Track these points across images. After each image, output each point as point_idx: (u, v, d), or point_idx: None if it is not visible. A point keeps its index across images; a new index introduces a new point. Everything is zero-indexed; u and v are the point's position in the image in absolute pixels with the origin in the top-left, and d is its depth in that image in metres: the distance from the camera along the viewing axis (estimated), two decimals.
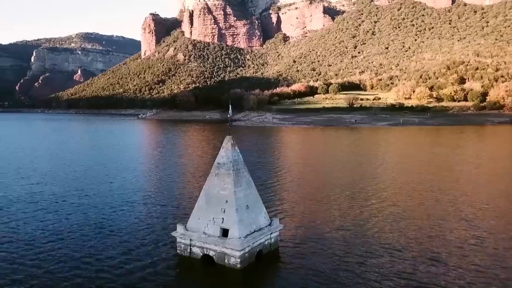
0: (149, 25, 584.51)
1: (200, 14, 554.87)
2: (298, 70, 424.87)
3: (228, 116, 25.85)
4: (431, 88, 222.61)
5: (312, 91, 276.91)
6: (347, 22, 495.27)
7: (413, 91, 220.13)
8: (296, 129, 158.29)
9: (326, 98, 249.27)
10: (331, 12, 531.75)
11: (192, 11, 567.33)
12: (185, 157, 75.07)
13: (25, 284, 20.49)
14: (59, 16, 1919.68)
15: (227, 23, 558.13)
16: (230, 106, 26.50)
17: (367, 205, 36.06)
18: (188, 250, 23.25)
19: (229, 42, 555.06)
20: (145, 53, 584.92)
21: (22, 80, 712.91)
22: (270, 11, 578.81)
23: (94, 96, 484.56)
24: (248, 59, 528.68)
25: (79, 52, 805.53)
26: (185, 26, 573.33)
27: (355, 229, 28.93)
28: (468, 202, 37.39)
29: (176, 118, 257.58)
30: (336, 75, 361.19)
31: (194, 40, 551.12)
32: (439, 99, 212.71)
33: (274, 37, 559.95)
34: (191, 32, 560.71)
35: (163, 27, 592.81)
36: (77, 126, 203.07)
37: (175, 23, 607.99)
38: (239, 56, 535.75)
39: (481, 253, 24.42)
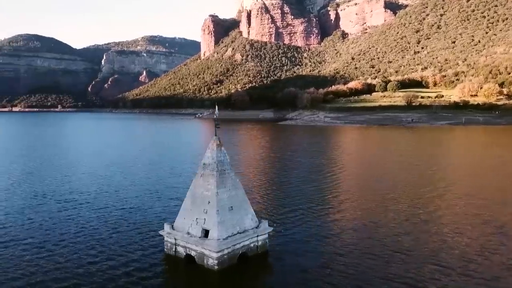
0: (208, 26, 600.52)
1: (257, 14, 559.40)
2: (356, 68, 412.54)
3: (214, 116, 24.97)
4: (501, 85, 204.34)
5: (369, 88, 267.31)
6: (410, 16, 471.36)
7: (481, 88, 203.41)
8: (347, 128, 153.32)
9: (384, 96, 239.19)
10: (392, 6, 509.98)
11: (250, 11, 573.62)
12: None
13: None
14: (127, 21, 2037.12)
15: (284, 22, 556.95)
16: (216, 106, 25.69)
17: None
18: (174, 249, 23.13)
19: (286, 41, 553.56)
20: (204, 54, 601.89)
21: (93, 82, 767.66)
22: (329, 8, 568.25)
23: (156, 96, 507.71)
24: (305, 58, 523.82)
25: (144, 54, 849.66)
26: (243, 26, 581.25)
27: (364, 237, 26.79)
28: None
29: (231, 117, 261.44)
30: (396, 72, 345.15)
31: (251, 40, 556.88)
32: (510, 96, 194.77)
33: (332, 34, 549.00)
34: (248, 32, 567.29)
35: (222, 28, 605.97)
36: (138, 125, 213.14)
37: (234, 24, 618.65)
38: (296, 55, 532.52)
39: None
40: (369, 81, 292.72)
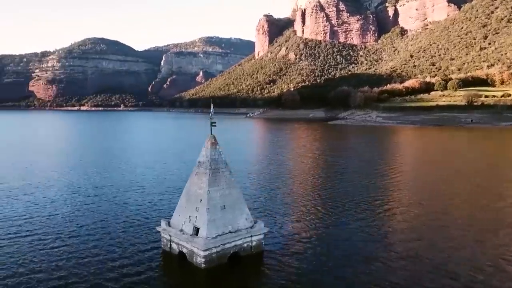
0: (263, 26, 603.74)
1: (312, 12, 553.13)
2: (415, 66, 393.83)
3: (210, 115, 24.52)
4: None
5: (427, 87, 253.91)
6: (477, 10, 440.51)
7: None
8: (399, 128, 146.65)
9: (443, 95, 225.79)
10: (456, 0, 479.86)
11: (304, 9, 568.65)
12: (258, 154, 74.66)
13: None
14: (185, 23, 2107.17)
15: (340, 20, 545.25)
16: (211, 105, 25.22)
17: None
18: (169, 246, 23.19)
19: (342, 39, 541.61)
20: (258, 54, 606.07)
21: (153, 82, 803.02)
22: (387, 4, 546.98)
23: (211, 96, 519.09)
24: (361, 56, 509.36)
25: (201, 55, 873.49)
26: (297, 25, 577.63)
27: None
28: None
29: (281, 116, 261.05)
30: (459, 69, 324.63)
31: (305, 38, 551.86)
32: None
33: (390, 31, 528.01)
34: (303, 31, 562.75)
35: (276, 28, 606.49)
36: (189, 124, 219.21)
37: (288, 23, 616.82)
38: (351, 53, 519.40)
39: None
40: (427, 79, 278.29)
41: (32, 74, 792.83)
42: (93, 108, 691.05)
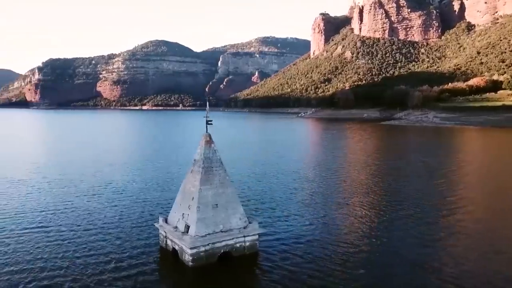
0: (319, 25, 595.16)
1: (370, 9, 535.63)
2: (482, 63, 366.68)
3: (205, 113, 24.04)
4: None
5: (494, 86, 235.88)
6: None
7: None
8: (457, 129, 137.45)
9: None
10: None
11: (362, 7, 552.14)
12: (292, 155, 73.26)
13: None
14: (242, 23, 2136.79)
15: (400, 16, 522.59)
16: (207, 104, 24.71)
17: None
18: (165, 242, 23.11)
19: (401, 36, 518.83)
20: (314, 53, 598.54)
21: (210, 83, 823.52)
22: None
23: (265, 96, 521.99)
24: (422, 53, 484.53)
25: (257, 55, 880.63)
26: (355, 23, 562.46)
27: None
28: None
29: (333, 116, 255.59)
30: None
31: (363, 36, 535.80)
32: None
33: (456, 27, 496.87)
34: (360, 29, 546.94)
35: (333, 26, 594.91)
36: (241, 124, 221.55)
37: (345, 21, 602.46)
38: (412, 50, 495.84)
39: None
40: (495, 77, 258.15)
41: (100, 76, 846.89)
42: (153, 108, 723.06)
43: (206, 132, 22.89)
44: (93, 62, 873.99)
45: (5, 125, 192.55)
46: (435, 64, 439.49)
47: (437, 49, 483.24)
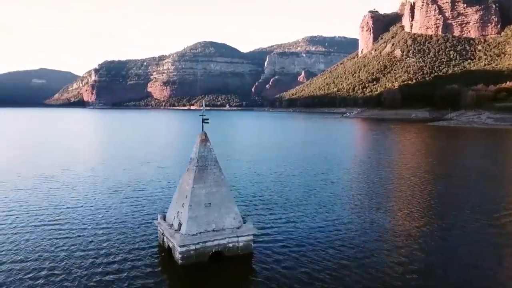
0: (367, 23, 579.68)
1: (422, 5, 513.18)
2: None
3: (201, 111, 23.65)
4: None
5: None
6: None
7: None
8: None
9: None
10: None
11: (414, 3, 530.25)
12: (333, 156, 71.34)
13: None
14: (289, 23, 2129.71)
15: (455, 12, 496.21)
16: (203, 103, 24.23)
17: None
18: (162, 239, 23.17)
19: (456, 33, 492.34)
20: (362, 52, 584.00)
21: (256, 83, 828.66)
22: None
23: (310, 96, 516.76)
24: (479, 50, 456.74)
25: (304, 55, 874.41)
26: (405, 20, 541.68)
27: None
28: None
29: (379, 116, 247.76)
30: None
31: (414, 34, 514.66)
32: None
33: None
34: (411, 26, 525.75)
35: (382, 24, 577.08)
36: (280, 123, 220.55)
37: (395, 19, 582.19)
38: (467, 48, 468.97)
39: None
40: None
41: (151, 77, 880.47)
42: (200, 108, 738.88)
43: (202, 130, 22.64)
44: (145, 63, 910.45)
45: (63, 124, 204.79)
46: (493, 62, 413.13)
47: (495, 46, 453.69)
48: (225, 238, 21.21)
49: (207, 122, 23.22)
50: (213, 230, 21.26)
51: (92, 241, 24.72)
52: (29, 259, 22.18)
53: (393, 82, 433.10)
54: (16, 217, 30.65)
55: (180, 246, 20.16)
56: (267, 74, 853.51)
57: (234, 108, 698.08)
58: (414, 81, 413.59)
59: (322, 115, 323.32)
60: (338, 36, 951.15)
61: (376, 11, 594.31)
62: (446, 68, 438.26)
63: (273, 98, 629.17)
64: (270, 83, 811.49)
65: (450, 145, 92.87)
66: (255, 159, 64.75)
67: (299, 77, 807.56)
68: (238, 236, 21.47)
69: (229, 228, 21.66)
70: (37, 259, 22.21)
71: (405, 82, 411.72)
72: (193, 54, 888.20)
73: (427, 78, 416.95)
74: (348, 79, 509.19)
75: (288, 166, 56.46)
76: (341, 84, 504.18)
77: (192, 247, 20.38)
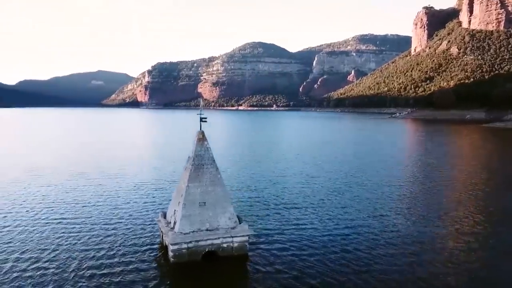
0: (421, 19, 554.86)
1: (482, 0, 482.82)
2: None
3: (199, 110, 23.50)
4: None
5: None
6: None
7: None
8: None
9: None
10: None
11: None
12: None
13: None
14: (339, 22, 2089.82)
15: None
16: (201, 102, 24.14)
17: None
18: (161, 236, 23.47)
19: None
20: (415, 50, 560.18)
21: (304, 83, 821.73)
22: None
23: (359, 95, 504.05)
24: None
25: (354, 54, 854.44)
26: (463, 16, 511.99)
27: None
28: None
29: (431, 117, 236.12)
30: None
31: (472, 30, 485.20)
32: None
33: None
34: (469, 21, 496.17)
35: (437, 20, 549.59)
36: (327, 124, 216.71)
37: (451, 14, 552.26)
38: None
39: None
40: None
41: (200, 78, 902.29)
42: (249, 108, 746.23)
43: (200, 129, 22.63)
44: (195, 65, 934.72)
45: (119, 123, 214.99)
46: None
47: None
48: (219, 238, 21.04)
49: (205, 121, 23.21)
50: (207, 230, 21.17)
51: (100, 236, 25.39)
52: (30, 255, 22.64)
53: (448, 81, 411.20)
54: (23, 213, 32.01)
55: (172, 244, 20.29)
56: (315, 73, 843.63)
57: (281, 108, 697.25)
58: (472, 79, 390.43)
59: (371, 116, 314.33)
60: (391, 34, 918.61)
61: (431, 7, 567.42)
62: (508, 66, 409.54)
63: (321, 98, 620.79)
64: (318, 83, 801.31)
65: (506, 149, 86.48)
66: (283, 159, 64.06)
67: (348, 77, 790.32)
68: (232, 237, 21.23)
69: (224, 228, 21.49)
70: (44, 252, 23.05)
71: (461, 81, 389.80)
72: (241, 55, 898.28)
73: (486, 77, 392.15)
74: (400, 78, 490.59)
75: (316, 167, 55.28)
76: (392, 84, 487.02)
77: (184, 245, 20.41)
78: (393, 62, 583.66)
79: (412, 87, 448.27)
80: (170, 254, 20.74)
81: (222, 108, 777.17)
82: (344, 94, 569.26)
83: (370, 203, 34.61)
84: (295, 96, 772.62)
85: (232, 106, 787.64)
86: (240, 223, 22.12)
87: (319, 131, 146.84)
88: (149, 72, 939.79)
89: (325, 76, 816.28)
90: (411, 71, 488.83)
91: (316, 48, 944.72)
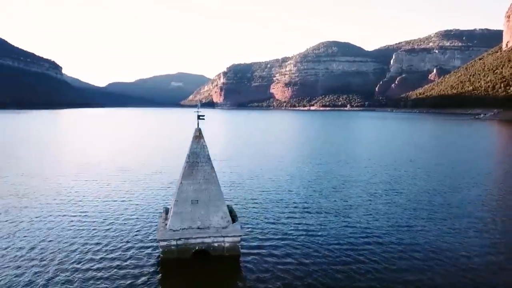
0: None
1: None
2: None
3: (197, 108, 22.99)
4: None
5: None
6: None
7: None
8: None
9: None
10: None
11: None
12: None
13: None
14: (420, 17, 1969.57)
15: None
16: (198, 101, 23.51)
17: None
18: None
19: None
20: (507, 45, 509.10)
21: (381, 82, 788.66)
22: None
23: (440, 95, 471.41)
24: None
25: (436, 51, 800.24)
26: None
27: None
28: None
29: None
30: None
31: None
32: None
33: None
34: None
35: None
36: (399, 126, 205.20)
37: None
38: None
39: None
40: None
41: (273, 78, 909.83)
42: (321, 108, 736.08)
43: (197, 127, 22.39)
44: (268, 66, 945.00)
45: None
46: None
47: None
48: (209, 237, 20.62)
49: (203, 119, 22.95)
50: (198, 228, 20.92)
51: (104, 230, 25.99)
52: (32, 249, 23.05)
53: None
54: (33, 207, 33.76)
55: (161, 241, 20.39)
56: (392, 72, 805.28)
57: (355, 109, 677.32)
58: None
59: (452, 117, 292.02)
60: (479, 29, 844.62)
61: None
62: None
63: (398, 98, 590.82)
64: (396, 82, 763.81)
65: None
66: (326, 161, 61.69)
67: (430, 75, 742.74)
68: (223, 236, 20.74)
69: (215, 227, 21.06)
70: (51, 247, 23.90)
71: None
72: (315, 54, 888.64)
73: None
74: (488, 76, 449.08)
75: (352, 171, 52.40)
76: (478, 82, 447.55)
77: (173, 242, 20.33)
78: (480, 59, 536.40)
79: (502, 85, 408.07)
80: (159, 250, 20.94)
81: (294, 108, 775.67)
82: (423, 94, 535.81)
83: (403, 213, 31.80)
84: (371, 96, 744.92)
85: (304, 106, 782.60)
86: (234, 223, 21.58)
87: (382, 132, 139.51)
88: (224, 73, 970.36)
89: (403, 75, 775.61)
90: (501, 68, 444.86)
91: (394, 46, 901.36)
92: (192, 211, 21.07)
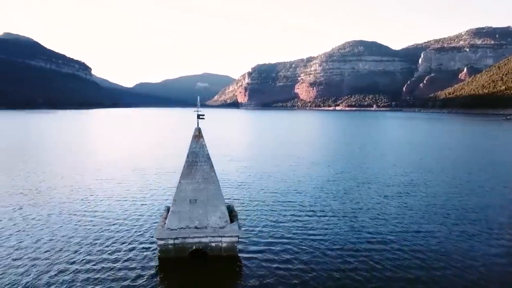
0: None
1: None
2: None
3: (197, 108, 22.75)
4: None
5: None
6: None
7: None
8: None
9: None
10: None
11: None
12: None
13: None
14: (450, 16, 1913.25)
15: None
16: (198, 100, 23.14)
17: None
18: None
19: None
20: None
21: (409, 82, 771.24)
22: None
23: (470, 95, 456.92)
24: None
25: (467, 50, 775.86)
26: None
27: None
28: None
29: None
30: None
31: None
32: None
33: None
34: None
35: None
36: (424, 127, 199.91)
37: None
38: None
39: None
40: None
41: (298, 78, 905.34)
42: (346, 108, 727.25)
43: (197, 126, 22.30)
44: (293, 65, 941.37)
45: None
46: None
47: None
48: (206, 236, 20.49)
49: (203, 118, 22.81)
50: (196, 227, 20.82)
51: (106, 229, 26.22)
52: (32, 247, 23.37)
53: None
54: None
55: (158, 239, 20.44)
56: (421, 72, 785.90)
57: (381, 109, 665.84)
58: None
59: (482, 117, 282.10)
60: None
61: None
62: None
63: (426, 98, 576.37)
64: (425, 82, 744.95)
65: None
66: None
67: (460, 75, 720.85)
68: (221, 236, 20.57)
69: (213, 227, 20.91)
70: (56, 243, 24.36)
71: None
72: (341, 54, 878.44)
73: None
74: None
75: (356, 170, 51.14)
76: (511, 82, 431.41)
77: (170, 241, 20.33)
78: None
79: None
80: (157, 249, 21.04)
81: (319, 108, 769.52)
82: (453, 93, 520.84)
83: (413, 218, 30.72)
84: (398, 95, 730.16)
85: (329, 106, 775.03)
86: (232, 222, 21.39)
87: (406, 133, 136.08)
88: (249, 74, 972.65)
89: (432, 74, 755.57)
90: None
91: (423, 44, 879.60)
92: (190, 211, 21.05)
